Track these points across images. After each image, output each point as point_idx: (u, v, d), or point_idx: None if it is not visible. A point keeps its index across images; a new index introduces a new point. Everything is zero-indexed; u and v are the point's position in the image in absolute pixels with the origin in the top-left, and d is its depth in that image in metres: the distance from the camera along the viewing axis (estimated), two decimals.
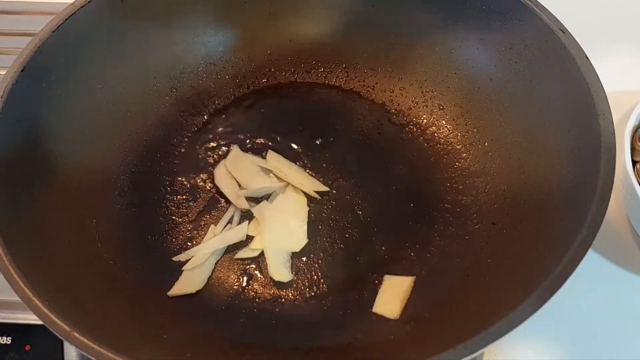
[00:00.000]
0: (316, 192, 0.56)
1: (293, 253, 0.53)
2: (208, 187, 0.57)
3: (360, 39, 0.63)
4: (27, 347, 0.52)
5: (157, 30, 0.59)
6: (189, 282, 0.51)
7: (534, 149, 0.52)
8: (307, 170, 0.58)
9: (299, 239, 0.53)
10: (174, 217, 0.55)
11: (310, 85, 0.63)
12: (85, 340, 0.38)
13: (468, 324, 0.42)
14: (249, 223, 0.54)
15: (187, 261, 0.52)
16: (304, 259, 0.53)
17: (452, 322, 0.46)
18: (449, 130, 0.59)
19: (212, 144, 0.60)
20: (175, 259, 0.53)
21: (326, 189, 0.56)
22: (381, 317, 0.49)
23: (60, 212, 0.50)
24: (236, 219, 0.55)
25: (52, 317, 0.39)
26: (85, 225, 0.52)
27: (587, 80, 0.47)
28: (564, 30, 0.50)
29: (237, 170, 0.57)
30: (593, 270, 0.55)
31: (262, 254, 0.53)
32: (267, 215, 0.54)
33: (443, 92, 0.60)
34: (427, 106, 0.61)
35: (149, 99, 0.60)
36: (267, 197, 0.56)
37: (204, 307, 0.50)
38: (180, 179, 0.58)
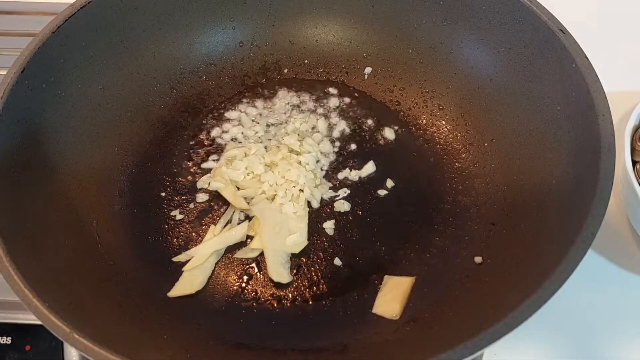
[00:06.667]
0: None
1: (293, 253, 0.53)
2: (208, 188, 0.57)
3: (359, 39, 0.63)
4: (27, 347, 0.52)
5: (157, 30, 0.60)
6: (189, 282, 0.51)
7: (534, 149, 0.52)
8: None
9: (298, 240, 0.53)
10: (174, 217, 0.55)
11: (310, 85, 0.63)
12: (85, 342, 0.38)
13: (468, 324, 0.42)
14: (248, 222, 0.54)
15: (187, 261, 0.52)
16: (304, 259, 0.53)
17: (452, 322, 0.46)
18: (449, 131, 0.59)
19: (212, 144, 0.60)
20: (175, 259, 0.53)
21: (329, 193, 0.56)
22: (381, 318, 0.49)
23: (60, 212, 0.50)
24: (236, 219, 0.55)
25: (52, 318, 0.39)
26: (85, 225, 0.52)
27: (586, 81, 0.47)
28: (563, 30, 0.50)
29: (236, 170, 0.57)
30: (593, 270, 0.55)
31: (261, 254, 0.53)
32: (267, 215, 0.54)
33: (443, 92, 0.60)
34: (427, 106, 0.61)
35: (149, 100, 0.60)
36: (267, 197, 0.56)
37: (204, 307, 0.50)
38: (180, 179, 0.58)
